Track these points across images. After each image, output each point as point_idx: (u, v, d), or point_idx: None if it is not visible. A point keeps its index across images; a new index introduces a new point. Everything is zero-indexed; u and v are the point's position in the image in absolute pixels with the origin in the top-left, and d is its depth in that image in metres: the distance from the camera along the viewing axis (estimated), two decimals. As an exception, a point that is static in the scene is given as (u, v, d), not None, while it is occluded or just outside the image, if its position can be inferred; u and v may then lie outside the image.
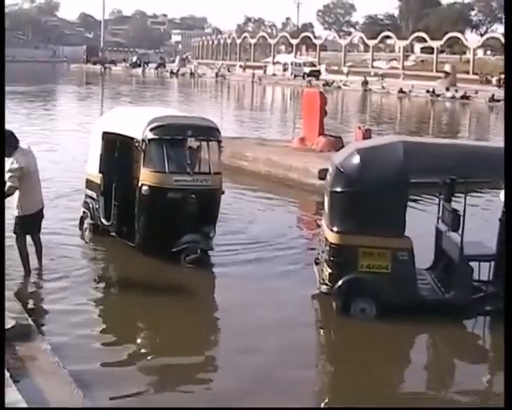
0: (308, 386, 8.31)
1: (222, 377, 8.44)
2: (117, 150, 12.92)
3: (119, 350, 8.90)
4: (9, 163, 10.35)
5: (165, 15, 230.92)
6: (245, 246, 13.31)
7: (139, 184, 11.87)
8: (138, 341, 9.45)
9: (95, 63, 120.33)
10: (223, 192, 12.57)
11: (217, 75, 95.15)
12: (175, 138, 12.14)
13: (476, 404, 8.12)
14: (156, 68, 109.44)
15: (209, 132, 12.55)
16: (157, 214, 11.87)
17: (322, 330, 10.22)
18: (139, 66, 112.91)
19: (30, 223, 10.89)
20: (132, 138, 12.14)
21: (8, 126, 10.55)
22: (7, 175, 10.26)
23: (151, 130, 11.89)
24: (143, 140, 11.84)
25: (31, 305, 9.86)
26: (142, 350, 9.18)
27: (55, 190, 16.60)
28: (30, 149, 10.83)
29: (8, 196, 10.41)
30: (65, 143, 27.58)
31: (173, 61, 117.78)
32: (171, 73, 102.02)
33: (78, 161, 19.17)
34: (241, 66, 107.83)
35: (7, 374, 6.51)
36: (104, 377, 8.09)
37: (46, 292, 10.64)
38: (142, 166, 11.89)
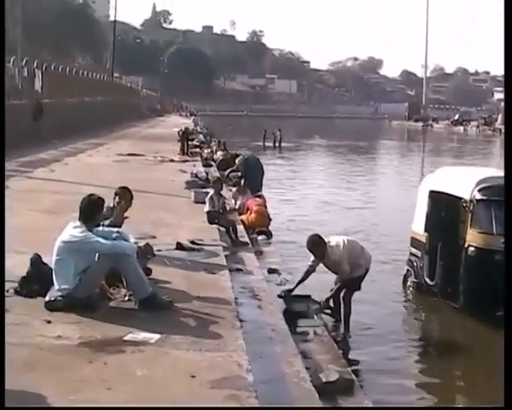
0: None
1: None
2: (443, 209, 12.87)
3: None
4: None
5: (487, 73, 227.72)
6: None
7: (465, 245, 11.71)
8: None
9: (416, 120, 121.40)
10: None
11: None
12: (503, 200, 11.84)
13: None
14: (477, 127, 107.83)
15: None
16: (483, 276, 11.56)
17: None
18: (461, 124, 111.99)
19: (359, 282, 11.01)
20: (460, 198, 12.04)
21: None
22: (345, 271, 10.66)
23: (479, 190, 11.77)
24: (471, 200, 11.73)
25: (353, 359, 9.94)
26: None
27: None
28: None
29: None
30: (387, 198, 28.19)
31: (496, 120, 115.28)
32: (493, 130, 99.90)
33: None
34: None
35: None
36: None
37: (366, 346, 10.71)
38: (470, 227, 11.72)
